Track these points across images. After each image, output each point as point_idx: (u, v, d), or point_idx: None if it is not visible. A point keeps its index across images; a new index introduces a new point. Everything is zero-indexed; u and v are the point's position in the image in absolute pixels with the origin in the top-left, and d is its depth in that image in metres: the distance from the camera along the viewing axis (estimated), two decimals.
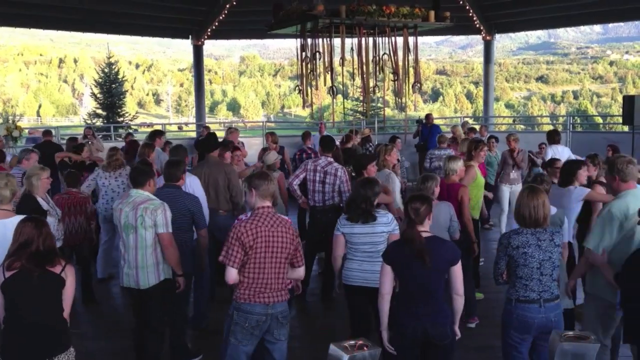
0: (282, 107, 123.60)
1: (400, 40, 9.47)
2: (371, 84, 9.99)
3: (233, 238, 3.74)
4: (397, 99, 10.15)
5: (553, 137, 9.14)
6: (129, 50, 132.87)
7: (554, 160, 6.87)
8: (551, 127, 17.54)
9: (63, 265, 3.49)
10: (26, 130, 15.77)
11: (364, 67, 9.34)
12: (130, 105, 31.01)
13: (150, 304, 4.65)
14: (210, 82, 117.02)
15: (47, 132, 12.48)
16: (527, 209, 3.84)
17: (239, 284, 3.79)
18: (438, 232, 4.84)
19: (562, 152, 8.80)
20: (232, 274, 3.75)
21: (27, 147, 10.60)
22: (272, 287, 3.80)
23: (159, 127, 18.12)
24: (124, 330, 5.70)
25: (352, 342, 2.96)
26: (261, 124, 20.30)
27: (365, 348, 2.92)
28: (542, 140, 11.19)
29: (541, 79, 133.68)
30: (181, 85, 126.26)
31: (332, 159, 6.82)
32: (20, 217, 4.13)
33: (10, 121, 13.89)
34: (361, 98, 33.53)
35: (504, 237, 3.95)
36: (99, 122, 27.45)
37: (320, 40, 9.28)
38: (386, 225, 4.57)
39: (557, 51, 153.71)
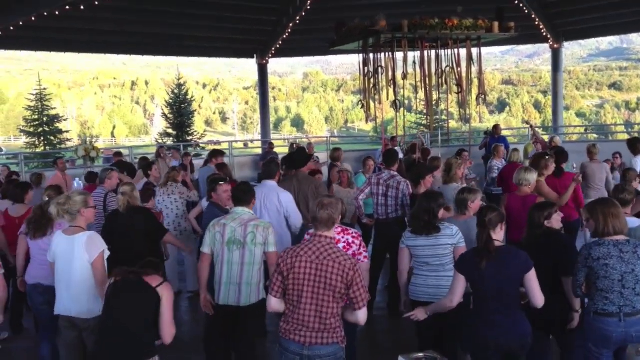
0: (346, 121, 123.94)
1: (463, 51, 9.43)
2: (434, 97, 9.96)
3: (276, 264, 3.61)
4: (461, 110, 10.05)
5: (636, 147, 8.68)
6: (196, 71, 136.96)
7: None
8: (627, 136, 16.82)
9: (159, 282, 3.68)
10: (102, 151, 16.57)
11: (427, 80, 9.32)
12: (198, 124, 32.00)
13: (248, 321, 4.63)
14: (275, 99, 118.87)
15: (117, 153, 13.10)
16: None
17: (283, 315, 3.60)
18: (470, 247, 4.81)
19: None
20: (270, 302, 3.59)
21: (105, 166, 11.18)
22: (311, 326, 3.45)
23: (225, 145, 18.60)
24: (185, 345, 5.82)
25: (421, 354, 2.96)
26: (325, 139, 20.45)
27: None
28: (617, 150, 10.77)
29: (614, 85, 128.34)
30: (246, 103, 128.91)
31: (395, 173, 6.82)
32: (87, 233, 4.32)
33: (88, 142, 14.65)
34: (425, 111, 33.34)
35: (585, 249, 3.85)
36: (169, 141, 28.42)
37: (383, 54, 9.36)
38: (451, 238, 4.52)
39: (630, 57, 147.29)
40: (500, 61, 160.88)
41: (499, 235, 3.77)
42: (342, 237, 4.59)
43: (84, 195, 4.51)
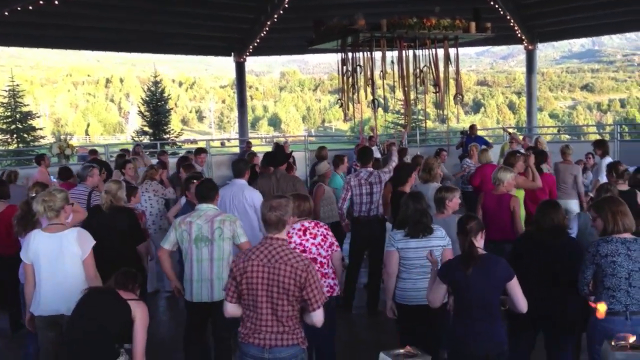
0: (323, 121, 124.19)
1: (440, 51, 9.51)
2: (412, 97, 10.04)
3: (229, 269, 3.54)
4: (438, 110, 10.14)
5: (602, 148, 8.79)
6: (172, 69, 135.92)
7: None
8: (599, 137, 17.12)
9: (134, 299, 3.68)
10: (76, 149, 16.34)
11: (405, 79, 9.38)
12: (174, 123, 31.81)
13: (217, 319, 4.61)
14: (252, 98, 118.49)
15: (93, 151, 12.92)
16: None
17: (241, 320, 3.49)
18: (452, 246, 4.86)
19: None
20: (226, 308, 3.49)
21: (81, 164, 11.03)
22: (270, 329, 3.35)
23: (202, 144, 18.51)
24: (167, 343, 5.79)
25: (402, 350, 2.99)
26: (303, 138, 20.45)
27: (415, 356, 2.94)
28: (588, 150, 10.94)
29: (586, 87, 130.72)
30: (223, 101, 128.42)
31: (371, 169, 6.84)
32: (76, 229, 4.27)
33: (63, 140, 14.44)
34: (402, 111, 33.58)
35: (592, 245, 3.85)
36: (145, 140, 28.17)
37: (361, 54, 9.39)
38: (442, 239, 4.50)
39: (602, 59, 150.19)
40: (475, 62, 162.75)
41: (479, 243, 3.78)
42: (318, 230, 4.65)
43: (65, 192, 4.45)
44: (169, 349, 5.81)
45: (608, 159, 8.63)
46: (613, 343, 3.02)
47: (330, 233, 4.72)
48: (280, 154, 7.08)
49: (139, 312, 3.66)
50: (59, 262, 4.19)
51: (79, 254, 4.15)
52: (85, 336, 3.55)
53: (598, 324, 3.74)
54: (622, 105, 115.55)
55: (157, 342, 5.90)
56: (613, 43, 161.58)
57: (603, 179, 8.33)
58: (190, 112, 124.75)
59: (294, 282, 3.29)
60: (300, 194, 5.04)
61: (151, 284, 7.84)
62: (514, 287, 3.69)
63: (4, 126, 31.47)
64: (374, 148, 10.78)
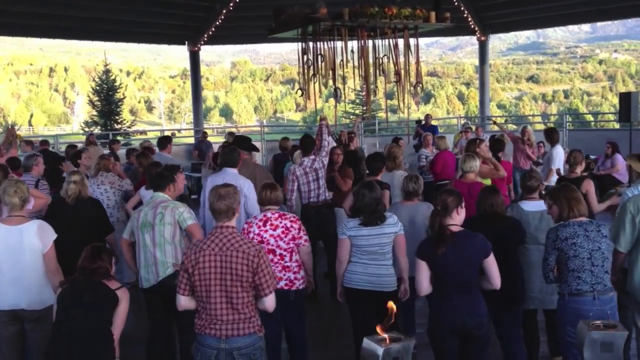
0: (275, 111, 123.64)
1: (400, 41, 9.57)
2: (371, 86, 10.11)
3: (181, 262, 3.56)
4: (398, 100, 10.21)
5: (553, 137, 9.06)
6: (119, 58, 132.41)
7: None
8: (544, 126, 17.61)
9: (117, 287, 3.60)
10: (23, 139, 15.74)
11: (367, 69, 9.42)
12: (124, 113, 31.01)
13: (171, 295, 4.56)
14: (202, 88, 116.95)
15: (44, 142, 12.52)
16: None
17: (196, 312, 3.50)
18: (415, 233, 4.96)
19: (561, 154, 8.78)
20: (179, 301, 3.48)
21: (30, 153, 10.62)
22: (225, 318, 3.36)
23: (154, 134, 18.13)
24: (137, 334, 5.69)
25: (386, 335, 3.00)
26: (259, 128, 20.33)
27: (399, 341, 2.96)
28: (538, 139, 11.24)
29: (532, 79, 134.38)
30: (173, 92, 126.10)
31: (313, 156, 6.86)
32: (36, 222, 4.16)
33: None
34: (357, 101, 33.75)
35: (552, 232, 3.96)
36: (96, 130, 27.43)
37: (322, 43, 9.35)
38: (394, 226, 4.50)
39: (546, 51, 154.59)
40: (425, 53, 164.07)
41: (456, 219, 3.83)
42: (280, 222, 4.63)
43: (24, 182, 4.34)
44: (129, 342, 5.71)
45: (559, 147, 8.91)
46: (588, 323, 3.12)
47: (296, 226, 4.65)
48: (245, 143, 7.02)
49: (124, 299, 3.61)
50: (18, 255, 4.06)
51: (39, 248, 4.04)
52: (84, 325, 3.48)
53: (568, 305, 3.86)
54: (566, 96, 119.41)
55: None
56: (557, 35, 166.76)
57: (555, 166, 8.59)
58: (139, 102, 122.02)
59: (247, 268, 3.32)
60: (268, 182, 5.03)
61: None
62: (491, 263, 3.78)
63: None
64: (330, 138, 10.81)
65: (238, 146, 6.77)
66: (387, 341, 2.98)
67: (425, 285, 3.79)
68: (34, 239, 4.05)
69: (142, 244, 4.67)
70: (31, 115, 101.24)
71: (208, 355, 3.41)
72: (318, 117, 7.67)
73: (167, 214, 4.61)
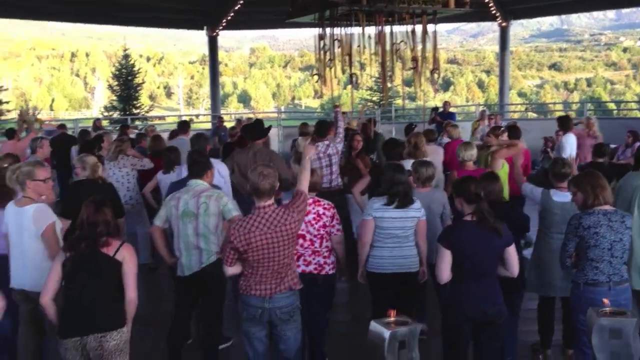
0: (293, 98, 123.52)
1: (418, 27, 9.47)
2: (388, 73, 10.03)
3: (227, 239, 3.71)
4: (415, 87, 10.14)
5: (567, 124, 8.87)
6: (140, 44, 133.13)
7: None
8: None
9: (117, 246, 3.59)
10: (44, 123, 15.94)
11: (384, 54, 9.35)
12: (142, 98, 31.20)
13: (212, 284, 4.63)
14: (221, 74, 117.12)
15: (61, 125, 12.71)
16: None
17: (241, 274, 3.77)
18: (431, 220, 4.92)
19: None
20: (227, 271, 3.76)
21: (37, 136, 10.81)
22: (270, 281, 3.70)
23: (172, 119, 18.25)
24: (158, 319, 5.78)
25: (392, 318, 3.01)
26: (276, 114, 20.35)
27: (406, 324, 2.97)
28: (556, 128, 11.09)
29: (554, 66, 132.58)
30: (192, 77, 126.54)
31: (327, 141, 6.83)
32: (35, 205, 4.18)
33: (30, 114, 14.05)
34: (374, 87, 33.55)
35: (574, 218, 3.91)
36: (115, 115, 27.67)
37: (339, 28, 9.31)
38: (418, 211, 4.56)
39: (569, 38, 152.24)
40: (445, 40, 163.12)
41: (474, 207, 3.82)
42: (313, 209, 4.58)
43: (31, 167, 4.36)
44: (147, 323, 5.80)
45: (570, 135, 8.75)
46: (598, 310, 3.10)
47: (329, 213, 4.61)
48: (258, 128, 6.99)
49: (128, 258, 3.62)
50: (19, 236, 4.17)
51: (34, 230, 4.10)
52: (88, 294, 3.54)
53: (582, 295, 3.83)
54: (589, 84, 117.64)
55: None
56: (581, 22, 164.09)
57: (566, 154, 8.44)
58: (158, 87, 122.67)
59: (292, 239, 3.68)
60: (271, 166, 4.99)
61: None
62: (511, 252, 3.76)
63: None
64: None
65: (250, 136, 6.77)
66: (394, 325, 2.98)
67: (447, 273, 3.76)
68: (30, 221, 4.11)
69: (183, 233, 4.59)
70: (52, 100, 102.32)
71: (253, 314, 3.72)
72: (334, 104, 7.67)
73: (212, 204, 4.54)
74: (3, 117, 29.72)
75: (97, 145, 8.15)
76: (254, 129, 6.88)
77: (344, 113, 12.50)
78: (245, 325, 3.81)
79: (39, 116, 13.37)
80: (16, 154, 6.07)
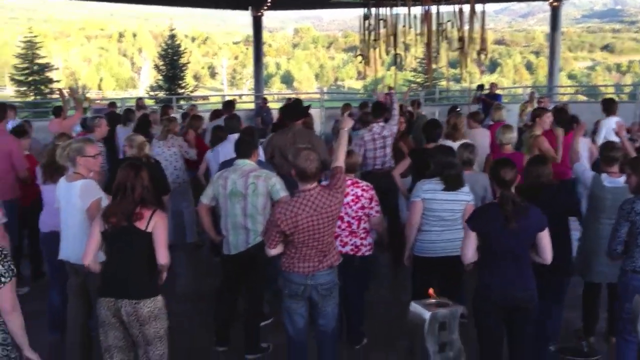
0: (336, 79, 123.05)
1: (465, 7, 9.29)
2: (434, 54, 9.89)
3: (272, 222, 3.70)
4: (461, 68, 9.99)
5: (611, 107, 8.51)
6: (185, 24, 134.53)
7: None
8: (617, 98, 16.79)
9: (149, 217, 3.63)
10: (94, 102, 16.35)
11: (430, 35, 9.22)
12: (187, 79, 31.56)
13: (257, 263, 4.69)
14: (264, 55, 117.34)
15: (112, 104, 13.00)
16: None
17: (283, 253, 3.83)
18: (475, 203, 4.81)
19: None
20: (269, 253, 3.82)
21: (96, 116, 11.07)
22: (315, 258, 3.78)
23: (217, 99, 18.43)
24: (204, 295, 5.93)
25: (433, 300, 3.02)
26: (318, 95, 20.31)
27: (447, 306, 2.98)
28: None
29: (606, 48, 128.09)
30: (236, 58, 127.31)
31: (382, 123, 6.80)
32: (82, 180, 4.27)
33: (80, 93, 14.46)
34: (419, 69, 33.17)
35: (627, 203, 3.81)
36: (161, 94, 28.12)
37: (385, 8, 9.23)
38: (467, 195, 4.51)
39: (624, 19, 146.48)
40: (493, 20, 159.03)
41: (512, 191, 3.75)
42: (352, 190, 4.58)
43: (81, 143, 4.46)
44: (189, 300, 5.94)
45: (613, 119, 8.39)
46: None
47: (367, 195, 4.61)
48: (297, 108, 6.97)
49: (158, 224, 3.65)
50: (68, 210, 4.29)
51: (80, 205, 4.19)
52: (123, 265, 3.65)
53: (629, 283, 3.75)
54: None
55: (177, 295, 6.00)
56: (635, 2, 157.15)
57: (599, 139, 8.09)
58: (203, 68, 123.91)
59: (337, 211, 3.74)
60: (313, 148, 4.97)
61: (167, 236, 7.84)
62: (544, 237, 3.64)
63: (22, 78, 31.48)
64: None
65: (288, 116, 6.76)
66: (435, 306, 2.99)
67: (470, 254, 3.69)
68: (77, 196, 4.21)
69: (231, 213, 4.64)
70: (101, 80, 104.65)
71: (295, 291, 3.81)
72: (379, 86, 7.64)
73: (260, 184, 4.58)
74: (54, 96, 30.63)
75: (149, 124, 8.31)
76: (293, 109, 6.85)
77: (387, 94, 12.48)
78: (286, 301, 3.89)
79: (87, 95, 13.74)
80: (68, 133, 6.26)
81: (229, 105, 10.10)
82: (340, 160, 3.83)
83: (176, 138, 7.62)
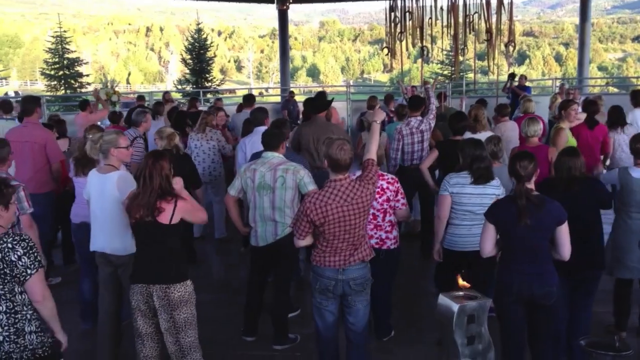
0: (362, 72, 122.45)
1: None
2: (460, 46, 9.78)
3: (302, 212, 3.67)
4: (488, 61, 9.85)
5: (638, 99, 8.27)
6: (211, 18, 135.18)
7: None
8: None
9: (172, 210, 3.68)
10: (122, 95, 16.55)
11: (457, 27, 9.12)
12: (214, 72, 31.68)
13: (284, 255, 4.74)
14: (290, 48, 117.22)
15: (140, 97, 13.14)
16: None
17: (313, 246, 3.78)
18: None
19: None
20: (298, 244, 3.78)
21: (126, 110, 11.25)
22: (346, 252, 3.71)
23: (243, 92, 18.53)
24: (232, 286, 5.97)
25: (461, 292, 3.01)
26: (345, 88, 20.26)
27: (475, 299, 2.96)
28: None
29: (638, 38, 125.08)
30: (262, 51, 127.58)
31: (420, 117, 6.78)
32: (118, 172, 4.35)
33: (109, 87, 14.67)
34: (445, 61, 32.82)
35: None
36: (188, 88, 28.32)
37: (411, 0, 9.14)
38: (497, 188, 4.48)
39: None
40: (521, 12, 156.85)
41: (532, 184, 3.70)
42: (377, 182, 4.59)
43: (114, 135, 4.52)
44: (221, 292, 5.99)
45: (636, 111, 8.18)
46: None
47: (392, 188, 4.61)
48: (319, 101, 6.99)
49: (183, 208, 3.73)
50: (102, 202, 4.34)
51: (118, 196, 4.23)
52: (151, 253, 3.76)
53: None
54: None
55: (207, 286, 6.05)
56: None
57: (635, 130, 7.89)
58: (229, 61, 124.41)
59: (369, 204, 3.66)
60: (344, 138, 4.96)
61: (196, 230, 7.79)
62: (563, 232, 3.58)
63: (52, 72, 31.97)
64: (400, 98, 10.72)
65: (311, 108, 6.78)
66: (463, 298, 2.98)
67: (489, 247, 3.68)
68: (114, 188, 4.27)
69: (259, 205, 4.68)
70: (129, 74, 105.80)
71: (326, 285, 3.74)
72: (405, 79, 7.62)
73: (289, 177, 4.61)
74: (83, 90, 31.07)
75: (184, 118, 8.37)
76: (314, 102, 6.90)
77: (413, 87, 12.40)
78: (317, 296, 3.84)
79: (116, 89, 13.96)
80: (99, 125, 6.37)
81: (249, 99, 10.06)
82: (372, 153, 3.80)
83: (215, 131, 7.60)
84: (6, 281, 2.97)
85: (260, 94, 31.59)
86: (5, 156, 4.67)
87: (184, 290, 3.71)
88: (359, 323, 3.86)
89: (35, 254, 3.03)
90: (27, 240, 3.02)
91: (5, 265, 2.95)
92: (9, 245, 2.96)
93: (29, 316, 3.05)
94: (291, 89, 17.34)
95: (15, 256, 2.96)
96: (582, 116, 6.99)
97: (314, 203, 3.60)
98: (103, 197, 4.32)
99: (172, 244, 3.75)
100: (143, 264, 3.77)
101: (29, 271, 2.99)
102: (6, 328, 2.98)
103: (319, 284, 3.77)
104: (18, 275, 2.98)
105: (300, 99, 16.83)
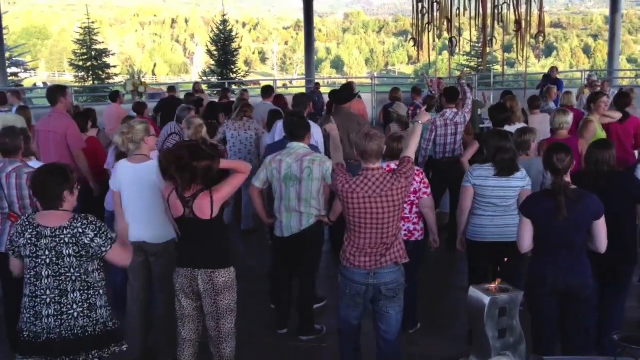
0: (386, 64, 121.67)
1: None
2: (488, 37, 9.64)
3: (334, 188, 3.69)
4: (516, 52, 9.70)
5: None
6: (236, 10, 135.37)
7: None
8: None
9: (209, 203, 3.69)
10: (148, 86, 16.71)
11: (485, 18, 8.99)
12: (239, 63, 31.74)
13: (310, 246, 4.77)
14: (315, 40, 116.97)
15: (171, 88, 13.23)
16: None
17: (343, 245, 3.73)
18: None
19: None
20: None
21: (152, 102, 11.36)
22: (375, 251, 3.60)
23: (268, 83, 18.55)
24: (256, 275, 6.02)
25: (492, 285, 2.99)
26: (369, 80, 20.17)
27: (507, 291, 2.94)
28: None
29: None
30: (286, 43, 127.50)
31: (455, 109, 6.72)
32: (154, 162, 4.39)
33: (137, 78, 14.83)
34: (472, 53, 32.42)
35: None
36: (213, 79, 28.45)
37: None
38: (521, 180, 4.45)
39: None
40: (549, 3, 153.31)
41: (568, 177, 3.66)
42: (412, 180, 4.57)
43: (145, 124, 4.55)
44: (251, 281, 6.03)
45: None
46: None
47: (418, 179, 4.59)
48: (344, 92, 7.02)
49: (219, 196, 3.73)
50: (139, 191, 4.34)
51: (157, 184, 4.23)
52: (200, 248, 3.80)
53: None
54: None
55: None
56: None
57: None
58: (254, 53, 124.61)
59: (397, 207, 3.55)
60: (396, 134, 4.93)
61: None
62: (600, 226, 3.55)
63: (80, 63, 32.36)
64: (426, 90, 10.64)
65: (336, 100, 6.80)
66: (495, 290, 2.96)
67: (528, 242, 3.64)
68: (154, 176, 4.24)
69: (285, 196, 4.69)
70: (154, 65, 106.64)
71: (357, 291, 3.64)
72: (430, 71, 7.60)
73: (315, 169, 4.63)
74: (111, 81, 31.41)
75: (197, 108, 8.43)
76: (339, 93, 6.94)
77: (440, 79, 12.29)
78: (345, 300, 3.74)
79: (143, 80, 14.10)
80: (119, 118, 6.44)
81: (268, 90, 9.99)
82: (410, 151, 3.76)
83: (252, 121, 7.60)
84: (82, 262, 3.16)
85: (285, 85, 31.59)
86: (18, 145, 4.62)
87: (227, 276, 3.78)
88: (391, 331, 3.77)
89: (106, 233, 3.24)
90: (94, 222, 3.21)
91: (80, 249, 3.15)
92: (80, 230, 3.14)
93: (101, 292, 3.28)
94: (317, 81, 17.31)
95: (88, 239, 3.15)
96: (617, 115, 6.80)
97: (342, 184, 3.59)
98: (141, 187, 4.32)
99: (217, 233, 3.81)
100: (189, 249, 3.83)
101: (103, 249, 3.21)
102: (80, 304, 3.16)
103: (350, 289, 3.66)
104: (94, 255, 3.21)
105: (324, 90, 16.81)
